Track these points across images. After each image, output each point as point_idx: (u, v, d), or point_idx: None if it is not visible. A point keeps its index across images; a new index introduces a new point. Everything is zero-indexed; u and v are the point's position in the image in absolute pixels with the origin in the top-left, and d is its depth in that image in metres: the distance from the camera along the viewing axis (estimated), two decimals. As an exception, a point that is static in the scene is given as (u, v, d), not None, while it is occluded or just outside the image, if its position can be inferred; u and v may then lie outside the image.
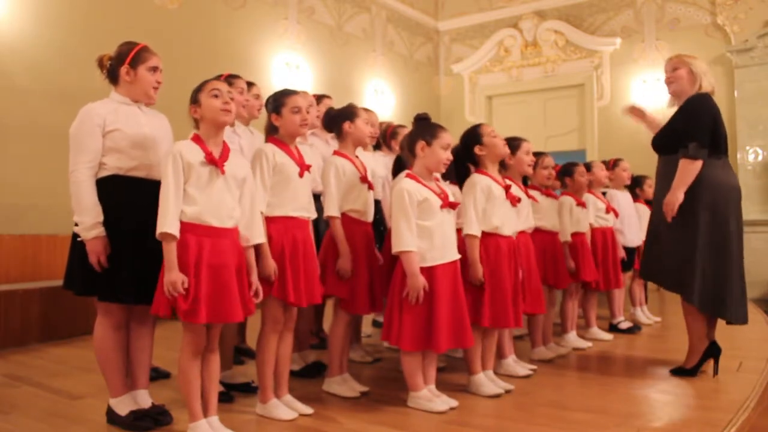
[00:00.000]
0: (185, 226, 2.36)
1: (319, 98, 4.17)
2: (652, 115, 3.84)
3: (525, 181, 4.07)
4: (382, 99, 9.13)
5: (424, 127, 2.91)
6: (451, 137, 2.87)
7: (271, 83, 7.36)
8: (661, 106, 3.57)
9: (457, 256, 2.88)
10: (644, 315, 5.34)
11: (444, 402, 2.83)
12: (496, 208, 3.09)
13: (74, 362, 3.97)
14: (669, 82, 3.53)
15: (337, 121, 3.15)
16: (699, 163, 3.26)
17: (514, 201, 3.17)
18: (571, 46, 9.14)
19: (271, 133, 2.91)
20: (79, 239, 2.54)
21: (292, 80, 7.62)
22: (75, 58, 5.38)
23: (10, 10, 5.18)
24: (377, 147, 4.36)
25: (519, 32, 9.52)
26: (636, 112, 3.86)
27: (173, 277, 2.28)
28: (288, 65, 7.73)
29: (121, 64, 2.64)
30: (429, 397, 2.84)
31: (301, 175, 2.79)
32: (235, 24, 7.08)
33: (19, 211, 5.12)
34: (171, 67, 5.63)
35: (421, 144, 2.85)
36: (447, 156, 2.84)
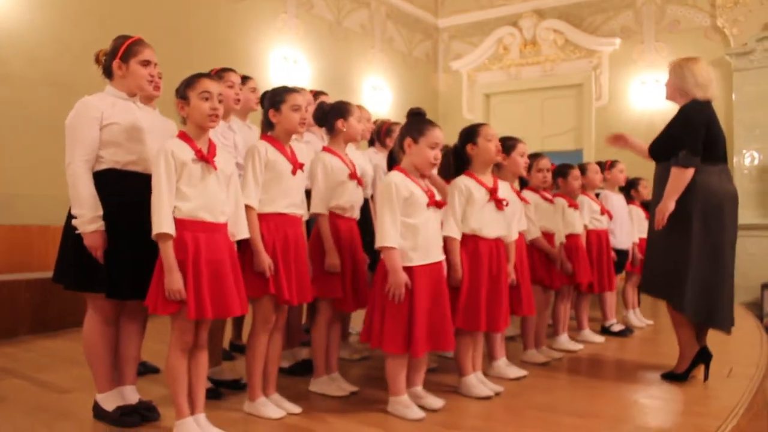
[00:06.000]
0: (181, 223, 2.34)
1: (315, 95, 4.14)
2: (634, 140, 3.83)
3: (524, 183, 4.06)
4: (380, 95, 9.10)
5: (414, 124, 2.83)
6: (441, 135, 2.78)
7: (269, 77, 7.33)
8: (660, 107, 3.57)
9: (441, 257, 2.83)
10: (637, 318, 5.34)
11: (420, 410, 2.73)
12: (475, 211, 3.04)
13: (63, 355, 3.95)
14: (665, 85, 3.58)
15: (330, 117, 3.13)
16: (690, 171, 3.25)
17: (500, 204, 3.09)
18: (571, 45, 9.12)
19: (266, 129, 2.88)
20: (77, 232, 2.51)
21: (289, 75, 7.59)
22: (69, 46, 5.35)
23: (6, -1, 5.14)
24: (371, 143, 4.35)
25: (518, 30, 9.49)
26: (619, 141, 3.87)
27: (175, 284, 2.28)
28: (286, 59, 7.69)
29: (114, 58, 2.62)
30: (406, 402, 2.76)
31: (293, 172, 2.76)
32: (233, 17, 7.04)
33: (10, 201, 5.09)
34: (168, 58, 5.60)
35: (408, 141, 2.77)
36: (435, 155, 2.74)
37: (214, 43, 6.69)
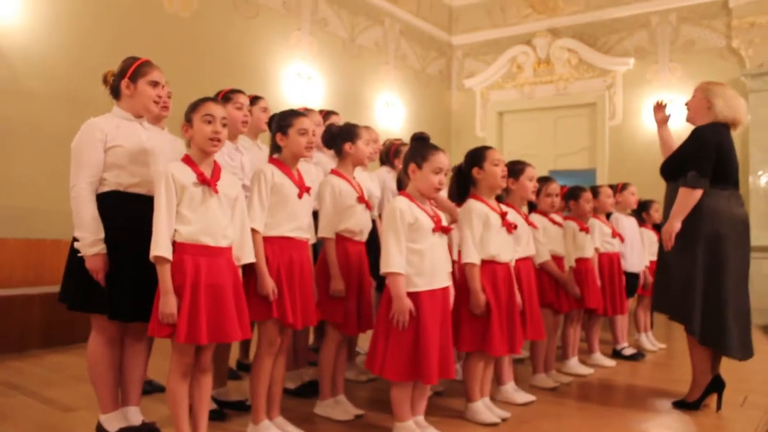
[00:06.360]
0: (181, 247, 2.34)
1: (327, 115, 4.15)
2: (669, 130, 3.77)
3: (532, 206, 4.04)
4: (393, 112, 9.12)
5: (417, 149, 2.79)
6: (446, 160, 2.74)
7: (283, 94, 7.37)
8: (674, 127, 3.54)
9: (447, 283, 2.78)
10: (649, 341, 5.26)
11: None
12: (492, 236, 3.03)
13: (72, 371, 3.95)
14: (686, 107, 3.53)
15: (338, 140, 3.13)
16: (698, 193, 3.22)
17: (510, 228, 3.08)
18: (584, 64, 9.10)
19: (274, 152, 2.89)
20: (79, 254, 2.52)
21: (303, 91, 7.63)
22: (84, 63, 5.41)
23: (22, 15, 5.21)
24: (383, 162, 4.33)
25: (532, 49, 9.49)
26: (662, 112, 3.80)
27: (168, 308, 2.28)
28: (300, 76, 7.73)
29: (122, 78, 2.64)
30: (411, 429, 2.72)
31: (300, 196, 2.75)
32: (247, 34, 7.10)
33: (24, 215, 5.13)
34: (182, 75, 5.69)
35: (412, 166, 2.74)
36: (439, 180, 2.70)
37: (228, 60, 6.74)
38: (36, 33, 5.29)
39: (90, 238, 2.49)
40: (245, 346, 4.16)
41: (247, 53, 7.07)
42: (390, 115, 9.03)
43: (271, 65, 7.40)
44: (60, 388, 3.55)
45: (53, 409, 3.14)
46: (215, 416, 2.95)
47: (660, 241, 3.50)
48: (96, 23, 5.65)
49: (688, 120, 3.50)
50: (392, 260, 2.61)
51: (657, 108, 3.83)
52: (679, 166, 3.36)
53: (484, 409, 3.07)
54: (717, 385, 3.30)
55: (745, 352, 3.27)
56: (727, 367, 3.43)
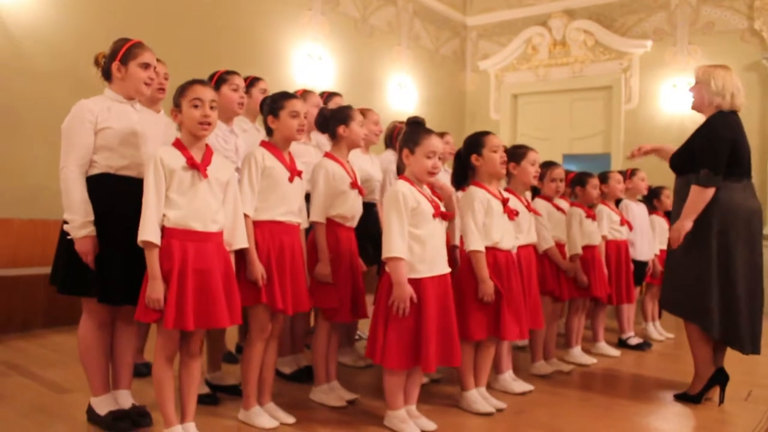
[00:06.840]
0: (169, 232, 2.31)
1: (329, 97, 4.09)
2: (659, 146, 3.70)
3: (536, 191, 3.96)
4: (406, 93, 9.00)
5: (410, 134, 2.73)
6: (439, 143, 2.67)
7: (293, 75, 7.30)
8: (692, 111, 3.43)
9: (447, 270, 2.73)
10: (656, 331, 5.18)
11: (416, 426, 2.68)
12: (495, 222, 2.98)
13: (73, 351, 3.87)
14: (690, 92, 3.40)
15: (331, 123, 3.06)
16: (710, 191, 3.12)
17: (512, 215, 3.04)
18: (601, 46, 8.90)
19: (267, 135, 2.84)
20: (68, 237, 2.51)
21: (313, 72, 7.54)
22: (91, 41, 5.29)
23: (30, -6, 5.18)
24: (387, 146, 4.27)
25: (548, 31, 9.30)
26: (642, 154, 3.74)
27: (155, 293, 2.26)
28: (310, 57, 7.64)
29: (113, 60, 2.59)
30: (403, 417, 2.69)
31: (291, 180, 2.70)
32: (258, 13, 7.02)
33: (29, 195, 5.13)
34: (190, 55, 5.64)
35: (405, 152, 2.69)
36: (433, 164, 2.64)
37: (237, 40, 6.67)
38: (42, 11, 5.26)
39: (79, 220, 2.47)
40: (244, 330, 4.13)
41: (257, 33, 7.00)
42: (403, 96, 8.92)
43: (281, 46, 7.32)
44: (59, 368, 3.56)
45: (49, 391, 3.16)
46: (208, 400, 2.94)
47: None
48: (103, 1, 5.61)
49: (694, 108, 3.37)
50: (394, 245, 2.56)
51: (638, 154, 3.73)
52: (689, 160, 3.25)
53: (479, 398, 3.03)
54: (720, 378, 3.23)
55: (752, 346, 3.18)
56: (733, 359, 3.35)
